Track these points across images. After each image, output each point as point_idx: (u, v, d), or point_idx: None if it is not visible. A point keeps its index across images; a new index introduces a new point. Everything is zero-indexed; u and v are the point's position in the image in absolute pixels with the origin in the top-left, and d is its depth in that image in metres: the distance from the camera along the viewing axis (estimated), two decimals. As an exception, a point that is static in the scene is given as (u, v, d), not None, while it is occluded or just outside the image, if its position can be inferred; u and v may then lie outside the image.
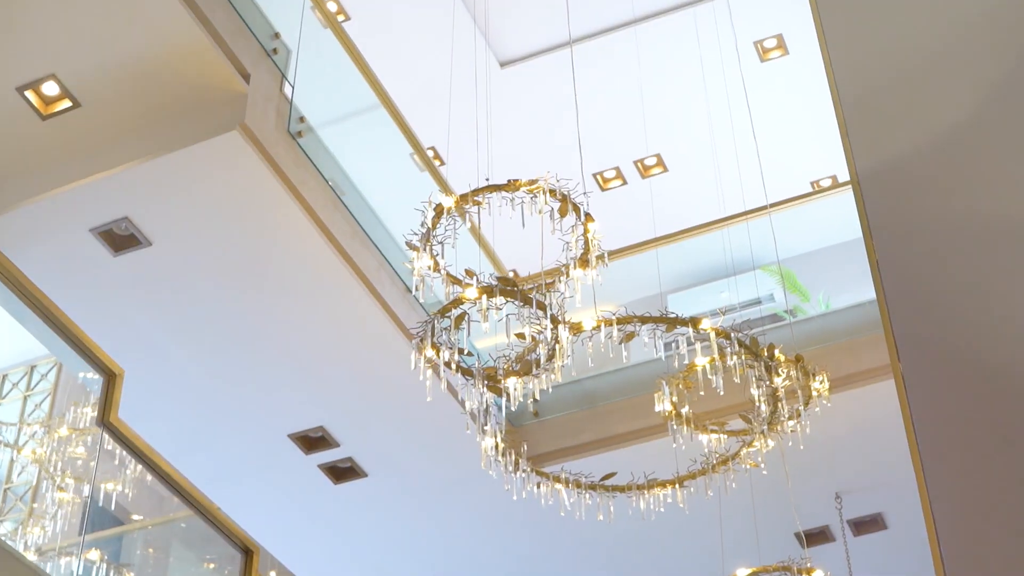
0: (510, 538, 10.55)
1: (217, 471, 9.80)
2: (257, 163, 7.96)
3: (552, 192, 7.30)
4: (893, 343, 3.35)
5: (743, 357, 7.46)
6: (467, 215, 7.45)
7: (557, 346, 6.78)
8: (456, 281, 7.49)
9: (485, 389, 6.91)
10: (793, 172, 12.64)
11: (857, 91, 3.62)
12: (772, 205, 11.12)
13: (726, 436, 8.49)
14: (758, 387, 7.62)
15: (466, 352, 6.89)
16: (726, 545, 10.42)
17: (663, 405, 8.29)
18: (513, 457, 7.90)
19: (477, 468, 9.86)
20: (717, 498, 8.79)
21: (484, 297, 6.64)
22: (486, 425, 7.67)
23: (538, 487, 8.18)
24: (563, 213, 7.42)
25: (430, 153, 11.85)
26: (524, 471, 7.99)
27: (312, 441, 9.66)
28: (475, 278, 7.37)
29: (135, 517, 8.89)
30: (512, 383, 6.97)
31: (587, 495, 8.23)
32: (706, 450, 8.55)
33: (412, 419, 9.56)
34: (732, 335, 7.40)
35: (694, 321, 7.44)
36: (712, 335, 7.41)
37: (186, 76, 7.89)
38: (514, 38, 11.83)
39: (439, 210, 7.38)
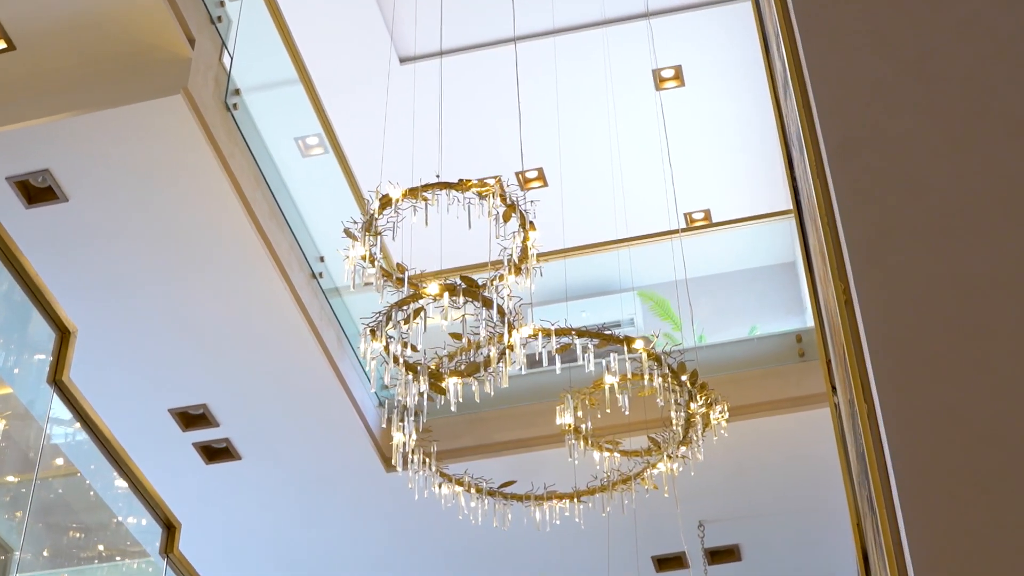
0: (376, 536, 10.49)
1: (87, 438, 9.51)
2: (194, 131, 7.78)
3: (503, 197, 7.34)
4: (860, 383, 3.41)
5: (668, 380, 7.59)
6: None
7: (508, 351, 6.79)
8: (387, 275, 7.46)
9: (427, 387, 6.88)
10: (669, 202, 12.85)
11: (843, 134, 3.67)
12: (646, 236, 11.36)
13: (620, 455, 8.62)
14: (676, 411, 7.75)
15: (418, 349, 6.85)
16: (585, 563, 10.56)
17: (564, 419, 8.37)
18: (421, 455, 7.88)
19: (352, 465, 9.84)
20: (597, 513, 8.89)
21: (446, 295, 6.61)
22: (402, 421, 7.64)
23: (439, 487, 8.16)
24: (506, 218, 7.47)
25: (315, 140, 11.72)
26: (429, 471, 7.97)
27: (192, 418, 9.45)
28: (406, 273, 7.38)
29: (9, 479, 8.55)
30: (453, 383, 6.96)
31: (485, 501, 8.25)
32: (598, 467, 8.65)
33: (297, 408, 9.44)
34: (663, 358, 7.52)
35: (628, 340, 7.53)
36: (644, 356, 7.52)
37: (132, 33, 7.67)
38: (419, 35, 11.77)
39: (385, 201, 7.34)
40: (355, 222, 7.44)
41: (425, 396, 7.24)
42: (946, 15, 3.57)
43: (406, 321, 6.79)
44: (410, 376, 6.91)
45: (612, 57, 11.76)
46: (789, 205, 13.45)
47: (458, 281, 6.77)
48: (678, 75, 11.98)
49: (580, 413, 8.29)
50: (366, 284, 7.45)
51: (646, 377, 7.55)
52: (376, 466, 9.78)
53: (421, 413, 7.48)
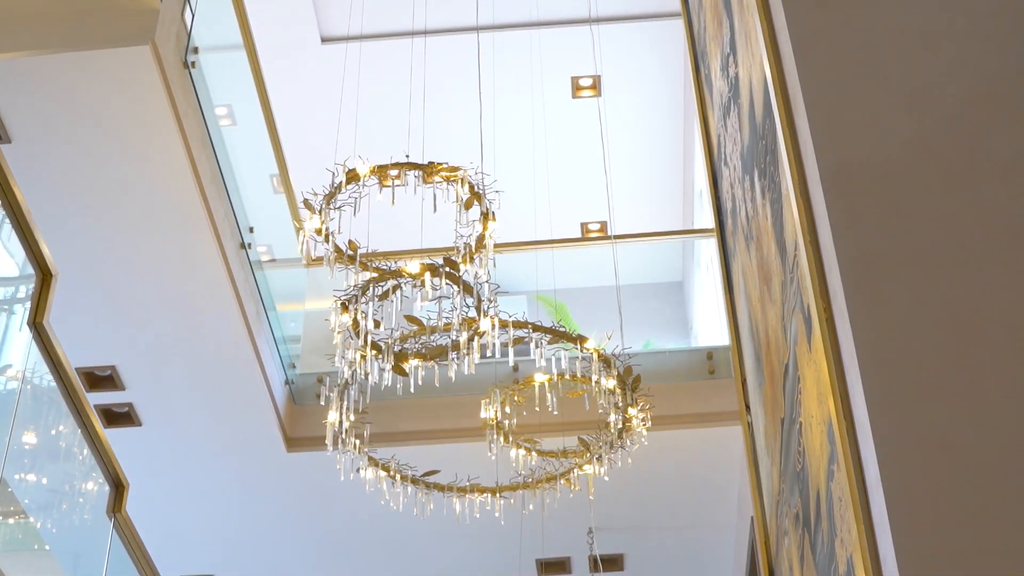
0: (267, 515, 10.32)
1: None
2: (156, 84, 7.58)
3: (470, 185, 7.31)
4: (840, 402, 3.49)
5: (611, 379, 7.64)
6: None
7: (477, 337, 6.75)
8: (339, 252, 7.35)
9: (389, 368, 6.81)
10: (567, 210, 12.94)
11: (838, 158, 3.75)
12: (547, 242, 11.40)
13: (537, 455, 8.62)
14: (616, 413, 7.80)
15: (392, 329, 6.78)
16: (469, 563, 10.56)
17: (488, 412, 8.35)
18: (353, 438, 7.77)
19: (254, 442, 9.67)
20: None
21: (428, 275, 6.55)
22: (342, 400, 7.53)
23: (364, 471, 8.07)
24: (468, 206, 7.43)
25: (223, 111, 11.51)
26: (355, 453, 7.86)
27: (97, 379, 9.18)
28: (358, 251, 7.28)
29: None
30: (413, 364, 6.91)
31: (409, 488, 8.17)
32: (513, 464, 8.64)
33: (207, 379, 9.23)
34: (613, 361, 7.56)
35: (581, 339, 7.56)
36: (594, 356, 7.55)
37: (102, -24, 7.46)
38: (345, 16, 11.65)
39: (351, 176, 7.25)
40: (315, 194, 7.33)
41: (381, 376, 7.16)
42: (939, 54, 3.68)
43: (381, 297, 6.71)
44: (373, 354, 6.83)
45: (539, 61, 11.80)
46: (683, 224, 13.70)
47: (440, 262, 6.71)
48: (595, 85, 12.08)
49: (508, 409, 8.27)
50: (315, 258, 7.35)
51: (594, 378, 7.58)
52: (278, 445, 9.63)
53: (364, 394, 7.40)
